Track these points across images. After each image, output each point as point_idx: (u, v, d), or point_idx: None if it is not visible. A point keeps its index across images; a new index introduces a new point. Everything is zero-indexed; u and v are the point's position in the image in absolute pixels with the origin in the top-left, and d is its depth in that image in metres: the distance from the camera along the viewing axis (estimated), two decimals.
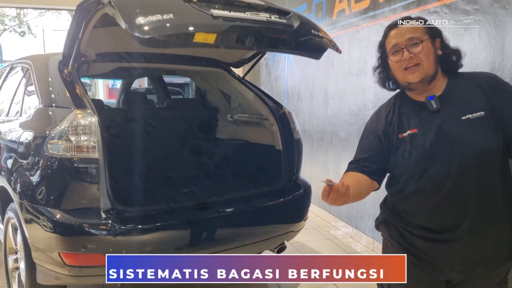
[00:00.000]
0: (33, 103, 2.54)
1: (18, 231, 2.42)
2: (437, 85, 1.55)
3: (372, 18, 3.60)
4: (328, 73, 4.41)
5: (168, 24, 1.78)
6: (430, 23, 1.58)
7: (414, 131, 1.54)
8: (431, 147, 1.50)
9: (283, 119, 2.86)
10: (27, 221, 2.25)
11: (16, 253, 2.64)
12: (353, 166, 1.68)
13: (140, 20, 1.75)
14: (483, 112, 1.44)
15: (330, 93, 4.38)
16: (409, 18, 1.58)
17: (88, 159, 2.10)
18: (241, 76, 3.27)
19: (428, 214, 1.54)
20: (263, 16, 2.06)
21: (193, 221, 2.31)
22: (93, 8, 2.10)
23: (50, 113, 2.33)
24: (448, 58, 1.55)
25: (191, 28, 1.83)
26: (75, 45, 2.33)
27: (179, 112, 3.51)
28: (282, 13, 2.17)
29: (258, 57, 3.20)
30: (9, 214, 2.53)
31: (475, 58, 2.54)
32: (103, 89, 20.43)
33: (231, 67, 3.28)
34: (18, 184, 2.34)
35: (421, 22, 1.55)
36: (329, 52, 4.36)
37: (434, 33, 1.55)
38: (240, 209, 2.51)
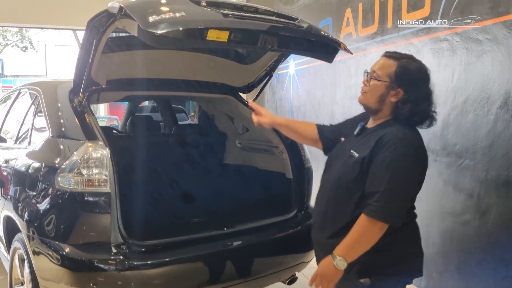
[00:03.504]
0: (42, 133, 2.52)
1: (26, 262, 2.37)
2: (379, 120, 1.72)
3: (380, 43, 3.60)
4: (335, 96, 4.40)
5: (181, 21, 1.79)
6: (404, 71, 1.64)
7: (343, 140, 1.86)
8: (331, 159, 1.85)
9: (294, 147, 2.83)
10: (35, 254, 2.20)
11: (22, 284, 2.59)
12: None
13: (154, 17, 1.76)
14: (357, 155, 1.65)
15: (336, 116, 4.37)
16: (394, 55, 1.69)
17: (99, 193, 2.07)
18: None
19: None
20: (272, 18, 2.08)
21: (203, 255, 2.26)
22: (104, 23, 2.09)
23: (60, 144, 2.30)
24: (395, 109, 1.66)
25: (203, 25, 1.83)
26: (86, 71, 2.31)
27: (187, 139, 3.48)
28: (290, 18, 2.19)
29: (266, 80, 3.19)
30: (16, 244, 2.48)
31: (488, 88, 2.53)
32: (104, 105, 20.45)
33: (239, 93, 3.26)
34: (26, 216, 2.31)
35: (398, 67, 1.64)
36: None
37: (400, 83, 1.62)
38: (251, 241, 2.46)
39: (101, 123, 15.12)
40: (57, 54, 26.69)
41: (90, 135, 2.22)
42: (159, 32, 1.72)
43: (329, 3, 4.52)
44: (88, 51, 2.22)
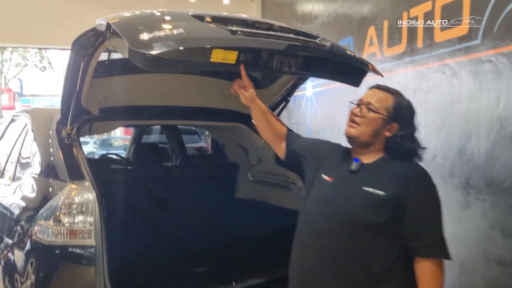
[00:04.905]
0: (27, 169, 2.21)
1: None
2: (369, 154, 1.59)
3: (409, 64, 3.25)
4: None
5: (178, 39, 1.45)
6: (399, 106, 1.58)
7: (330, 180, 1.61)
8: (326, 201, 1.56)
9: None
10: None
11: None
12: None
13: (146, 35, 1.44)
14: (383, 193, 1.46)
15: None
16: (388, 88, 1.64)
17: (83, 247, 1.73)
18: None
19: (302, 252, 1.63)
20: (289, 35, 1.74)
21: None
22: (93, 44, 1.78)
23: (41, 184, 1.99)
24: (392, 144, 1.57)
25: (206, 43, 1.48)
26: (74, 98, 2.00)
27: (193, 172, 3.13)
28: (310, 35, 1.85)
29: (282, 105, 2.86)
30: None
31: None
32: None
33: (252, 120, 2.92)
34: (2, 264, 2.00)
35: (395, 101, 1.58)
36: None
37: (396, 118, 1.56)
38: None
39: (116, 143, 15.03)
40: None
41: (75, 174, 1.89)
42: (152, 52, 1.39)
43: (350, 21, 4.20)
44: (75, 76, 1.92)
